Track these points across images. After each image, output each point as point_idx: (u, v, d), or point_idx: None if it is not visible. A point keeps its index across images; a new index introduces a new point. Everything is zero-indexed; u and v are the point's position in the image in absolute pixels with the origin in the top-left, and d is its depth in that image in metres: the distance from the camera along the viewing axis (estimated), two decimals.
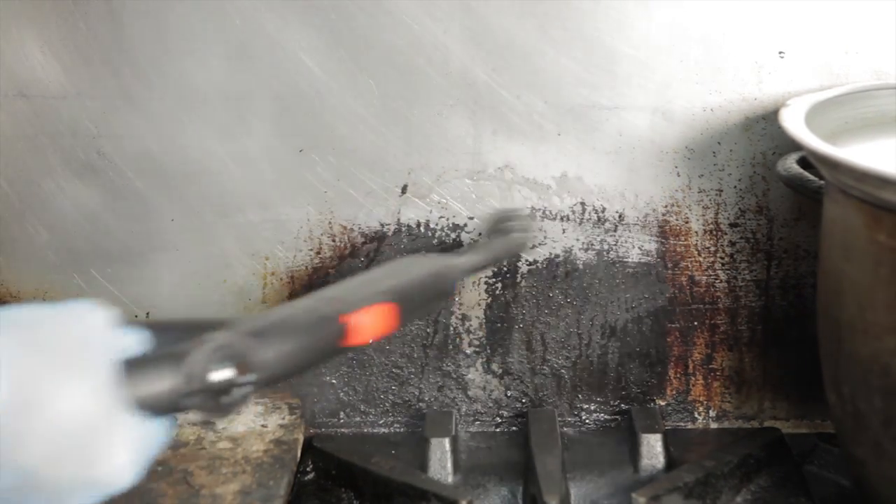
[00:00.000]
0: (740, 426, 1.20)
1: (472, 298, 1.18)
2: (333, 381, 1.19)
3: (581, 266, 1.16)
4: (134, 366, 0.66)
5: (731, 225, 1.15)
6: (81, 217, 1.15)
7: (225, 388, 0.67)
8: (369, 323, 0.79)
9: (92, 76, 1.12)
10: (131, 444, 0.65)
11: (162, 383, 0.65)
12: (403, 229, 1.16)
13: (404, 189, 1.15)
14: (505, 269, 1.17)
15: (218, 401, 0.67)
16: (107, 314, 0.68)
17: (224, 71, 1.11)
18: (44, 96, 1.12)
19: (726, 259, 1.16)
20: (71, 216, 1.15)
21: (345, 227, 1.17)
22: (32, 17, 1.10)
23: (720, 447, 1.11)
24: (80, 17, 1.10)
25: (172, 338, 0.69)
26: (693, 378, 1.19)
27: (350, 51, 1.10)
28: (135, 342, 0.68)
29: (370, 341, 0.80)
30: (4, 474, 0.61)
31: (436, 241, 1.16)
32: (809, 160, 0.97)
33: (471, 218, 1.16)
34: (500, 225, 1.08)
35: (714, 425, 1.20)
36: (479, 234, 1.15)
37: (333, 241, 1.17)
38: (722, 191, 1.14)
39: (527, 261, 1.16)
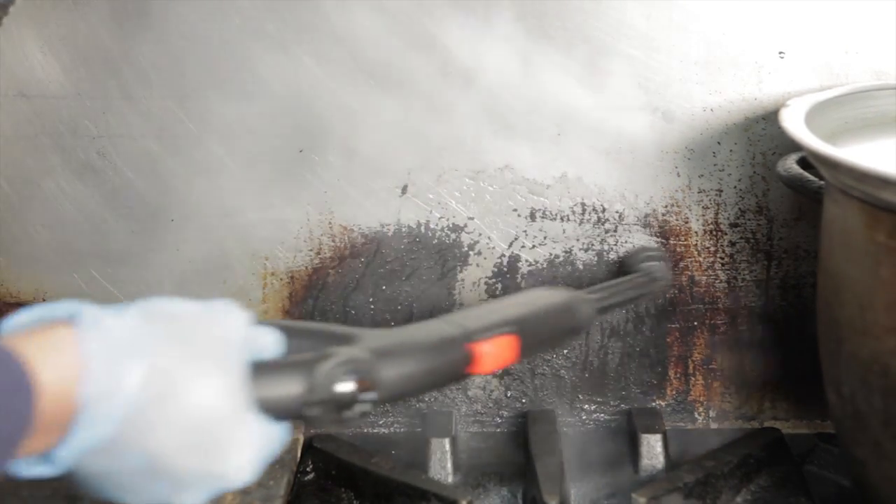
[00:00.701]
0: (740, 426, 1.20)
1: (473, 298, 1.17)
2: None
3: (581, 266, 1.16)
4: (264, 369, 0.69)
5: (731, 225, 1.15)
6: (81, 217, 1.15)
7: (347, 401, 0.69)
8: (493, 353, 0.80)
9: (92, 76, 1.12)
10: (252, 444, 0.67)
11: (288, 390, 0.68)
12: (404, 230, 1.16)
13: (404, 189, 1.15)
14: (505, 268, 1.17)
15: (339, 413, 0.69)
16: (245, 315, 0.71)
17: (224, 71, 1.11)
18: (44, 96, 1.12)
19: (726, 259, 1.16)
20: (71, 216, 1.15)
21: (345, 228, 1.16)
22: (32, 16, 1.10)
23: (720, 447, 1.11)
24: (80, 17, 1.10)
25: (304, 343, 0.73)
26: (693, 378, 1.19)
27: (350, 51, 1.10)
28: (269, 344, 0.71)
29: (491, 371, 0.80)
30: (132, 457, 0.64)
31: (436, 241, 1.16)
32: (809, 160, 0.97)
33: (471, 218, 1.16)
34: (638, 265, 1.08)
35: (714, 425, 1.20)
36: (618, 270, 1.15)
37: (333, 241, 1.17)
38: (722, 191, 1.14)
39: (527, 261, 1.16)
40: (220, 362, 0.66)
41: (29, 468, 0.62)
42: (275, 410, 0.68)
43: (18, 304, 1.18)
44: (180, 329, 0.67)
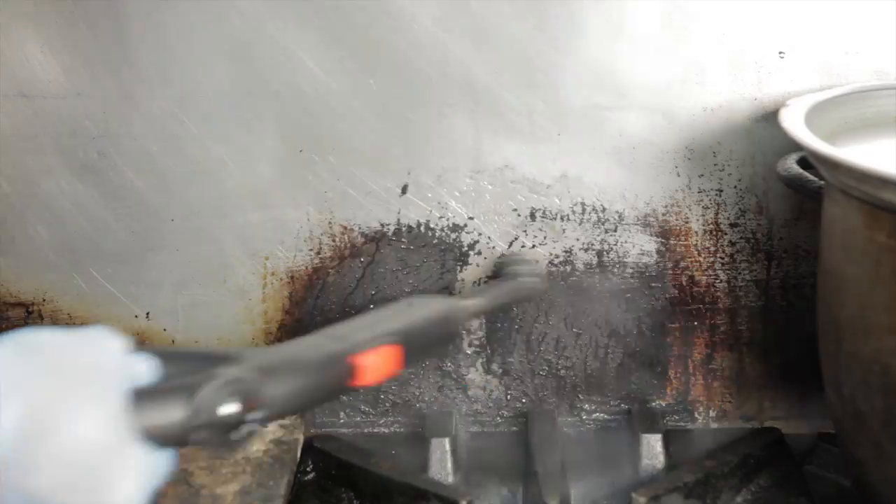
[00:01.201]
0: (740, 426, 1.20)
1: None
2: None
3: (581, 266, 1.16)
4: (144, 396, 0.66)
5: (731, 225, 1.15)
6: (81, 217, 1.15)
7: (233, 423, 0.67)
8: (376, 364, 0.80)
9: (92, 76, 1.12)
10: (138, 474, 0.65)
11: (171, 415, 0.66)
12: (403, 229, 1.16)
13: (404, 189, 1.15)
14: None
15: (225, 435, 0.67)
16: (120, 342, 0.68)
17: (224, 71, 1.11)
18: (44, 96, 1.12)
19: (726, 259, 1.16)
20: (71, 216, 1.15)
21: (345, 227, 1.16)
22: (32, 17, 1.10)
23: (720, 447, 1.11)
24: (80, 17, 1.10)
25: (182, 367, 0.70)
26: (693, 378, 1.19)
27: (350, 51, 1.10)
28: (146, 371, 0.68)
29: (375, 383, 0.82)
30: (13, 498, 0.62)
31: (436, 241, 1.16)
32: (809, 160, 0.97)
33: (471, 218, 1.16)
34: (507, 269, 1.09)
35: (714, 425, 1.20)
36: (485, 278, 1.16)
37: (333, 241, 1.17)
38: (722, 191, 1.14)
39: None
40: (97, 392, 0.64)
41: None
42: (158, 438, 0.66)
43: (19, 304, 1.18)
44: (52, 361, 0.64)
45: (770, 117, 1.10)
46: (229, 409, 0.67)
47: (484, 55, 1.10)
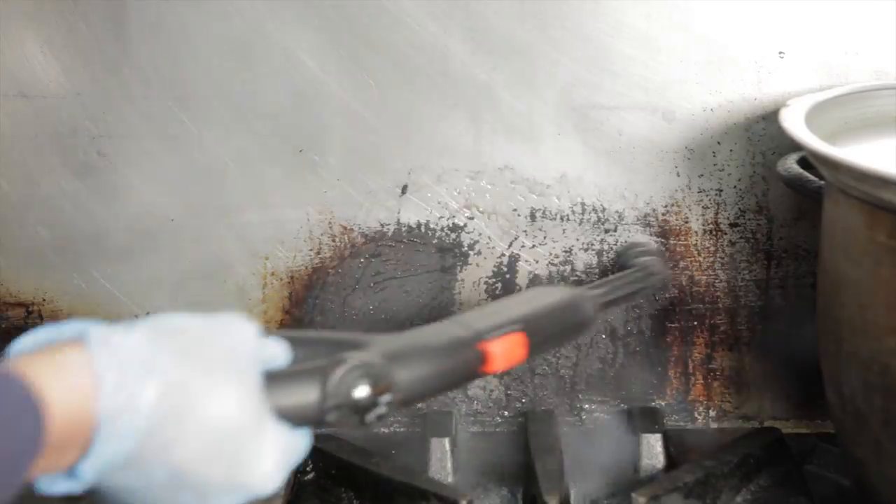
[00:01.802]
0: (740, 426, 1.19)
1: (473, 298, 1.17)
2: None
3: (581, 266, 1.16)
4: (280, 378, 0.69)
5: (731, 225, 1.14)
6: (81, 217, 1.15)
7: (365, 406, 0.69)
8: (504, 352, 0.81)
9: (92, 76, 1.12)
10: (275, 453, 0.68)
11: (305, 397, 0.68)
12: (403, 229, 1.16)
13: (404, 189, 1.15)
14: (505, 268, 1.17)
15: (357, 417, 0.70)
16: (252, 326, 0.71)
17: (224, 71, 1.11)
18: (44, 96, 1.12)
19: (726, 259, 1.16)
20: (71, 216, 1.15)
21: (345, 228, 1.16)
22: (32, 16, 1.10)
23: (720, 447, 1.10)
24: (80, 17, 1.10)
25: (313, 351, 0.73)
26: (693, 378, 1.19)
27: (350, 51, 1.10)
28: (279, 354, 0.72)
29: (502, 370, 0.82)
30: (157, 472, 0.65)
31: (436, 240, 1.16)
32: (809, 160, 0.97)
33: (470, 218, 1.16)
34: (632, 259, 1.09)
35: (714, 425, 1.20)
36: (612, 266, 1.15)
37: (333, 241, 1.17)
38: (722, 191, 1.14)
39: (527, 260, 1.16)
40: (233, 373, 0.67)
41: (54, 484, 0.63)
42: (293, 418, 0.69)
43: (19, 304, 1.18)
44: (190, 343, 0.67)
45: (770, 117, 1.10)
46: (361, 391, 0.69)
47: (484, 55, 1.10)
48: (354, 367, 0.69)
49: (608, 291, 0.98)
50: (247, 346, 0.69)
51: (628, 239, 1.15)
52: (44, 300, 1.18)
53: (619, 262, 1.13)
